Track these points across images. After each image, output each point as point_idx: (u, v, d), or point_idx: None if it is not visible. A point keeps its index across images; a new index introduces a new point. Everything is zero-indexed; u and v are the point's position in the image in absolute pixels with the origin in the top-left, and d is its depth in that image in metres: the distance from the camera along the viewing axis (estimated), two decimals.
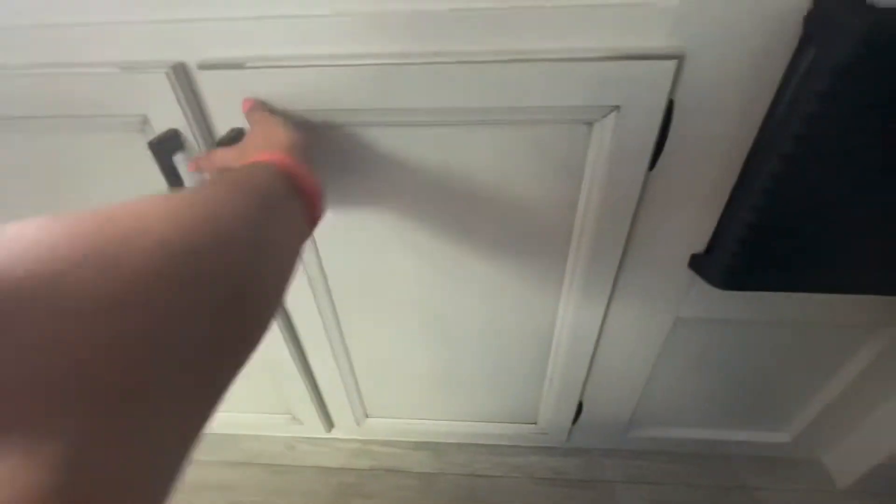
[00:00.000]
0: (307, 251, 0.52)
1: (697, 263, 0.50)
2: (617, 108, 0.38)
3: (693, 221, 0.47)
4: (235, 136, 0.40)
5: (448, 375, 0.68)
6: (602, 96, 0.38)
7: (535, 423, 0.75)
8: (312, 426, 0.78)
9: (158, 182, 0.42)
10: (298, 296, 0.56)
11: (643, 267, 0.51)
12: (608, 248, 0.48)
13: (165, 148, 0.41)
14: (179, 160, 0.42)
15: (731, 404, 0.71)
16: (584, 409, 0.71)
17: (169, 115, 0.41)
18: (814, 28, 0.34)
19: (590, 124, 0.40)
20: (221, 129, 0.42)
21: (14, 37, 0.39)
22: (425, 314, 0.59)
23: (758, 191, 0.41)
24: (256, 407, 0.78)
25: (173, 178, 0.42)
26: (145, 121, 0.41)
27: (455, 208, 0.48)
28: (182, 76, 0.39)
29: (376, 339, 0.64)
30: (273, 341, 0.62)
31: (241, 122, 0.41)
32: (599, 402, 0.70)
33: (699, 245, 0.49)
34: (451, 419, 0.77)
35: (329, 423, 0.79)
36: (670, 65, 0.36)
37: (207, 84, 0.40)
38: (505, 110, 0.39)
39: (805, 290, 0.49)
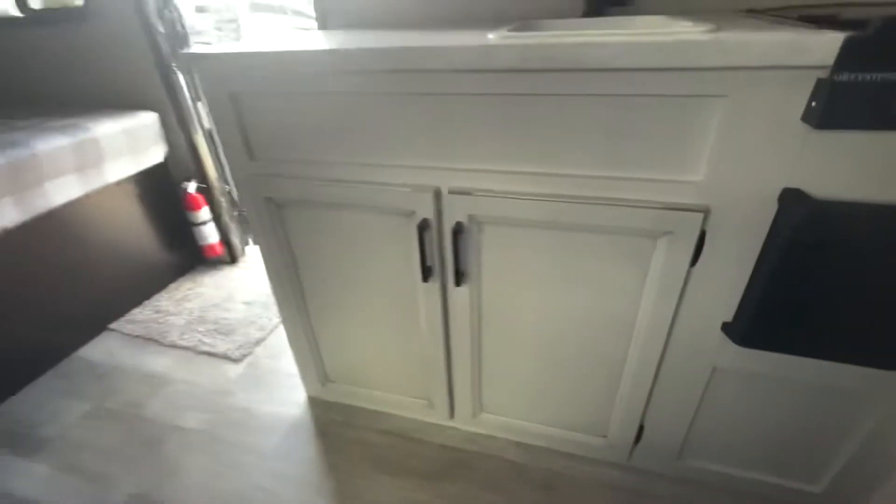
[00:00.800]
0: (479, 287, 0.87)
1: (726, 328, 0.77)
2: (671, 232, 0.70)
3: (722, 300, 0.75)
4: None
5: (546, 386, 0.98)
6: (660, 225, 0.69)
7: (605, 437, 1.00)
8: (440, 413, 1.11)
9: (410, 243, 0.81)
10: (460, 317, 0.91)
11: (687, 328, 0.79)
12: (663, 317, 0.78)
13: (421, 229, 0.80)
14: (425, 236, 0.81)
15: (764, 449, 0.91)
16: (645, 432, 0.96)
17: (426, 211, 0.80)
18: (781, 204, 0.63)
19: (654, 238, 0.72)
20: (448, 223, 0.80)
21: (351, 168, 0.82)
22: (540, 344, 0.91)
23: (759, 287, 0.69)
24: (405, 390, 1.14)
25: (422, 246, 0.80)
26: (413, 213, 0.81)
27: (565, 283, 0.80)
28: (437, 194, 0.79)
29: (503, 352, 0.96)
30: (434, 342, 0.98)
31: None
32: (656, 429, 0.94)
33: (728, 315, 0.76)
34: (541, 423, 1.05)
35: (452, 412, 1.11)
36: (700, 215, 0.67)
37: (450, 201, 0.78)
38: (601, 226, 0.72)
39: (799, 354, 0.73)
